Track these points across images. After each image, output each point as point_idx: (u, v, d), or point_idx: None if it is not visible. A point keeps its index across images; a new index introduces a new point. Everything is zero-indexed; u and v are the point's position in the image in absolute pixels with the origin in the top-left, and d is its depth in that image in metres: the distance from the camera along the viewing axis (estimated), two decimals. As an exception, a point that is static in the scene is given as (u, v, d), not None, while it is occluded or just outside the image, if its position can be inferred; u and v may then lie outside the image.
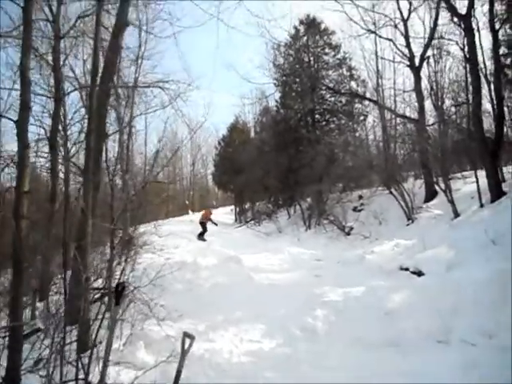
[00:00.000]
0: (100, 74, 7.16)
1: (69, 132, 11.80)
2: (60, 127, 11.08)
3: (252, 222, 24.46)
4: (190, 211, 33.70)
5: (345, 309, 6.31)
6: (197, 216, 29.71)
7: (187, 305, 7.37)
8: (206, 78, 39.45)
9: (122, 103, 14.01)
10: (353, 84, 22.11)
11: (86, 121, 9.23)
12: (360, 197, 18.55)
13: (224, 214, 31.65)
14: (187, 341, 4.01)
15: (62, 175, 11.09)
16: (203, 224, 17.24)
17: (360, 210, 17.08)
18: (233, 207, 32.56)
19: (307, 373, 4.73)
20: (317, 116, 23.29)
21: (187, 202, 38.81)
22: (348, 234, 15.42)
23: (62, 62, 10.66)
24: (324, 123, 23.42)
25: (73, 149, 11.87)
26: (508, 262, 6.77)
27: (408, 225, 13.60)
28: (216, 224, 17.58)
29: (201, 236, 16.81)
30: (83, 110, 11.87)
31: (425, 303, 5.87)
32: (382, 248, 10.84)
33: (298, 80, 23.06)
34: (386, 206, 15.32)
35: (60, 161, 10.70)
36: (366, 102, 21.63)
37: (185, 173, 44.61)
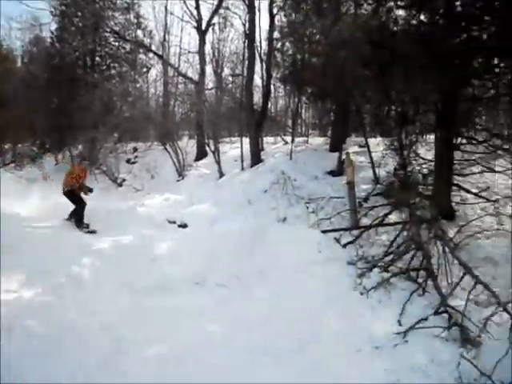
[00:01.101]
0: None
1: None
2: None
3: (12, 165, 21.70)
4: None
5: (113, 256, 6.45)
6: None
7: None
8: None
9: None
10: (139, 33, 21.38)
11: None
12: (135, 149, 18.47)
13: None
14: None
15: None
16: (72, 194, 9.06)
17: (134, 163, 17.07)
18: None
19: (73, 318, 4.76)
20: (97, 58, 21.76)
21: None
22: (120, 185, 15.32)
23: None
24: (104, 67, 22.06)
25: None
26: (258, 219, 8.11)
27: (178, 181, 14.33)
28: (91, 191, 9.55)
29: (77, 218, 8.89)
30: None
31: (187, 251, 6.58)
32: (152, 201, 11.19)
33: (80, 14, 21.03)
34: (160, 161, 15.74)
35: None
36: (151, 55, 21.36)
37: None
